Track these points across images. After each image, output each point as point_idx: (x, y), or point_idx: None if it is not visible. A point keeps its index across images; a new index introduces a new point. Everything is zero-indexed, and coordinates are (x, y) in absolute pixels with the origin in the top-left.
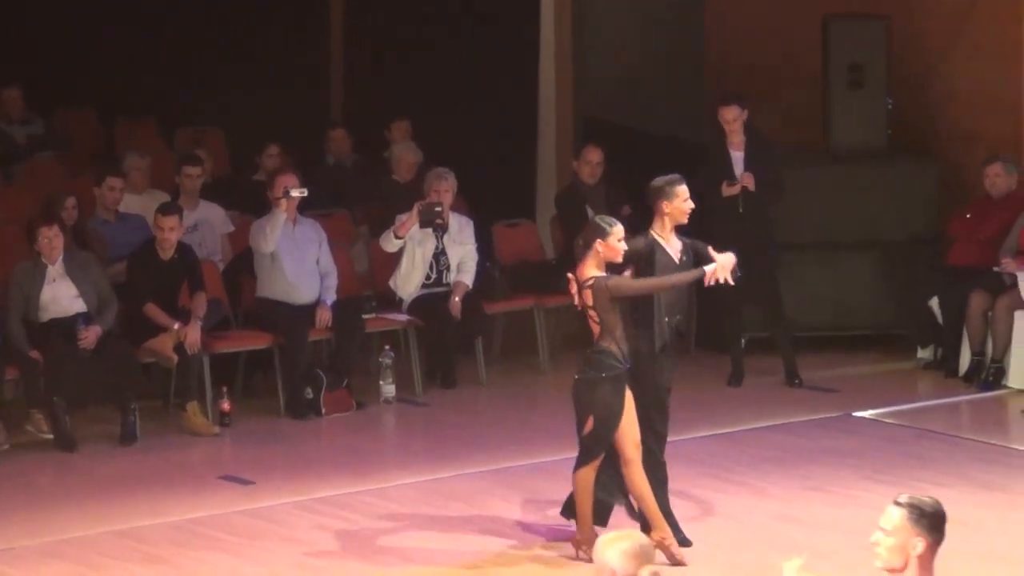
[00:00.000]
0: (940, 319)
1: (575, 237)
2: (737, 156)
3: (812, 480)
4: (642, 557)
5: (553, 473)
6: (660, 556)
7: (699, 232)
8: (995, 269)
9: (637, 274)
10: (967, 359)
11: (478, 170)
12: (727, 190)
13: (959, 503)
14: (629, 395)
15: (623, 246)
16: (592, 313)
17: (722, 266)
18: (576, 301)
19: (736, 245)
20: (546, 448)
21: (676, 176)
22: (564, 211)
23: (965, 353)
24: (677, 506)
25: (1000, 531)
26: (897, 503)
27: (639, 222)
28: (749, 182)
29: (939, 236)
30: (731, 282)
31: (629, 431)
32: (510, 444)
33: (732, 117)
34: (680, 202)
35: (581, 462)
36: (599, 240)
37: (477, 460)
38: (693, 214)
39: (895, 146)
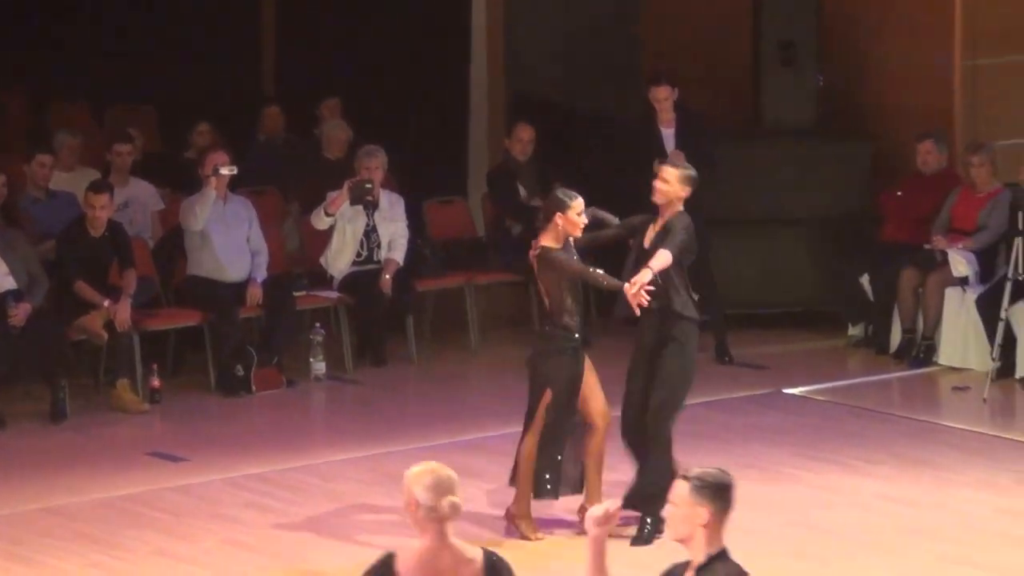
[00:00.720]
0: (871, 296)
1: (506, 214)
2: (668, 134)
3: (743, 457)
4: (443, 488)
5: (483, 450)
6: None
7: (632, 210)
8: (926, 246)
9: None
10: (898, 336)
11: (409, 147)
12: (658, 168)
13: (890, 480)
14: (590, 365)
15: (583, 220)
16: (540, 285)
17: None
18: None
19: None
20: (476, 425)
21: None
22: (495, 189)
23: (896, 330)
24: (610, 483)
25: (931, 507)
26: (683, 476)
27: None
28: (680, 160)
29: (870, 213)
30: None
31: (593, 401)
32: (440, 422)
33: (663, 96)
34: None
35: (540, 435)
36: (559, 213)
37: (407, 438)
38: (625, 193)
39: (826, 123)
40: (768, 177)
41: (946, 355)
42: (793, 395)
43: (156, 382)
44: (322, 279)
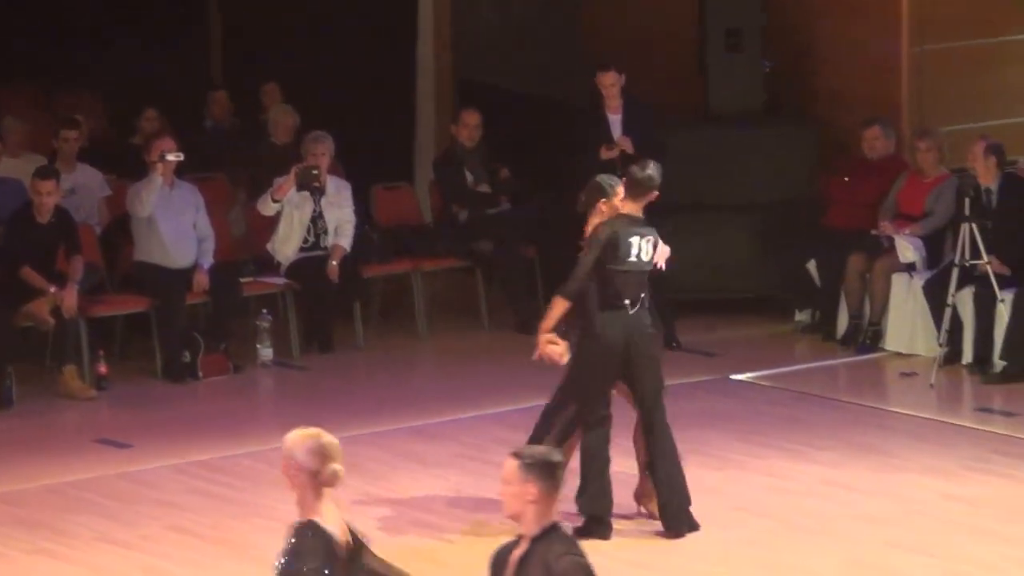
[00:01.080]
0: (817, 282)
1: (453, 200)
2: (615, 120)
3: (690, 444)
4: (326, 455)
5: (430, 436)
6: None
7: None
8: (872, 232)
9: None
10: (845, 322)
11: (356, 133)
12: (605, 153)
13: (837, 465)
14: None
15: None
16: None
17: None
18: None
19: None
20: (423, 411)
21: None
22: (442, 174)
23: (843, 316)
24: None
25: (877, 492)
26: (512, 454)
27: (516, 185)
28: (627, 145)
29: (817, 199)
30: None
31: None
32: (387, 407)
33: (610, 82)
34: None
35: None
36: (602, 200)
37: (354, 424)
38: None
39: (773, 109)
40: (715, 163)
41: (893, 341)
42: (740, 381)
43: (103, 368)
44: (269, 265)
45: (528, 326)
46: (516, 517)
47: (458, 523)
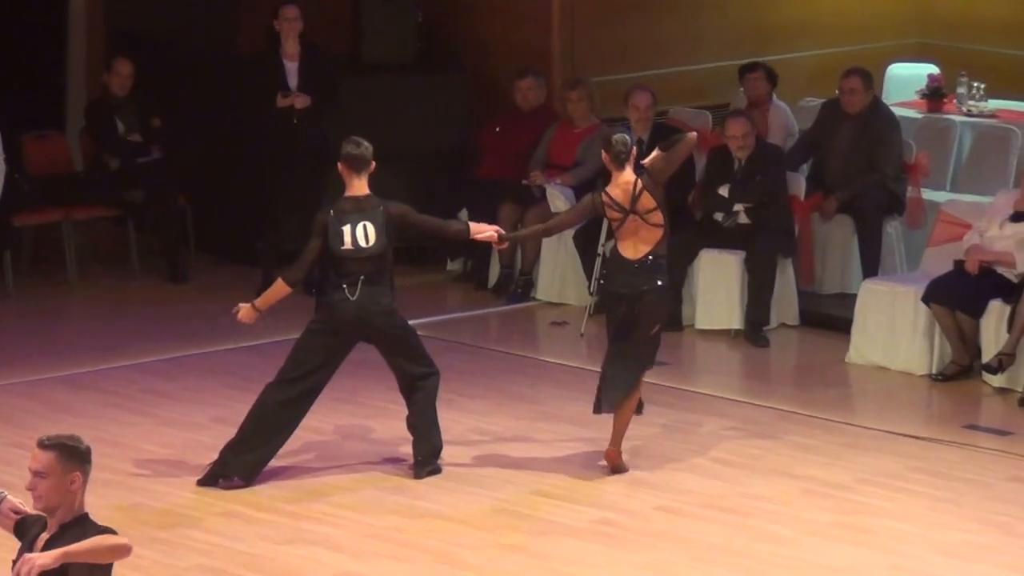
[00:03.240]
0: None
1: (105, 150)
2: (291, 67)
3: (335, 392)
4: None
5: (80, 386)
6: None
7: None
8: (524, 182)
9: None
10: (497, 271)
11: (5, 80)
12: (281, 101)
13: (488, 414)
14: None
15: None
16: (654, 215)
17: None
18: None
19: (290, 156)
20: (73, 361)
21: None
22: (94, 123)
23: (495, 265)
24: None
25: (526, 440)
26: (44, 446)
27: (168, 134)
28: (302, 103)
29: (469, 149)
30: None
31: None
32: (37, 356)
33: (293, 15)
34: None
35: (645, 367)
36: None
37: (3, 373)
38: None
39: (425, 59)
40: (368, 113)
41: (543, 290)
42: None
43: None
44: None
45: (179, 275)
46: (53, 510)
47: (106, 472)
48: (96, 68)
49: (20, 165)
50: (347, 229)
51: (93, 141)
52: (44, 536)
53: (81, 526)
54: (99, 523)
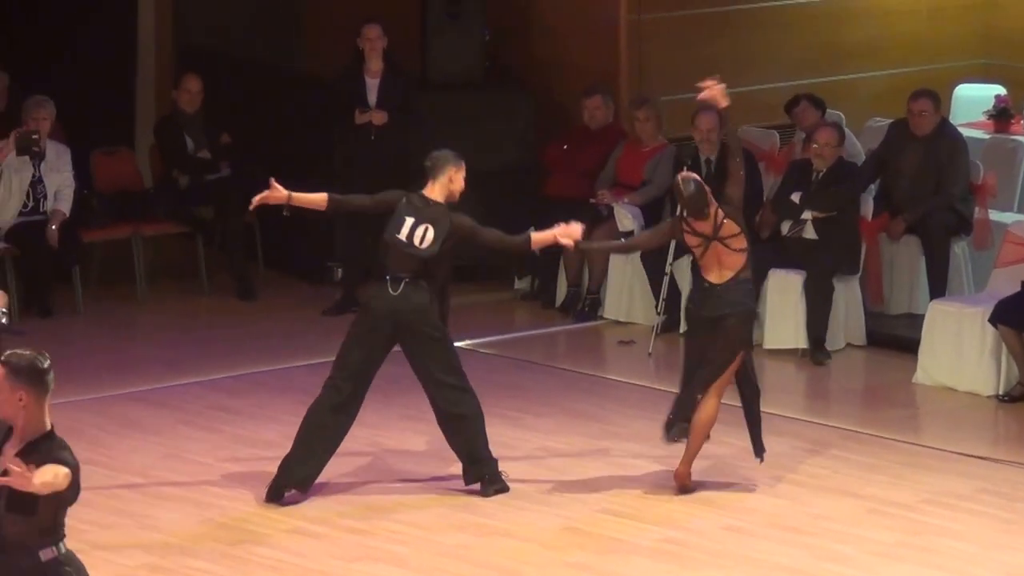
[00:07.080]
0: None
1: (173, 166)
2: (372, 83)
3: (407, 409)
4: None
5: (149, 402)
6: None
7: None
8: (591, 200)
9: None
10: (564, 290)
11: (75, 98)
12: (359, 117)
13: (555, 433)
14: None
15: None
16: (737, 240)
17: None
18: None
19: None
20: (142, 377)
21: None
22: (163, 140)
23: (562, 284)
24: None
25: (593, 459)
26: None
27: (237, 151)
28: (379, 120)
29: (536, 167)
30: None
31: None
32: (106, 372)
33: (375, 35)
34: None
35: (747, 395)
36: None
37: (73, 389)
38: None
39: (493, 77)
40: (435, 131)
41: (611, 309)
42: (460, 348)
43: None
44: None
45: (247, 292)
46: (8, 420)
47: (176, 488)
48: (165, 85)
49: (90, 182)
50: (409, 221)
51: (162, 158)
52: (11, 449)
53: (48, 442)
54: (63, 440)
